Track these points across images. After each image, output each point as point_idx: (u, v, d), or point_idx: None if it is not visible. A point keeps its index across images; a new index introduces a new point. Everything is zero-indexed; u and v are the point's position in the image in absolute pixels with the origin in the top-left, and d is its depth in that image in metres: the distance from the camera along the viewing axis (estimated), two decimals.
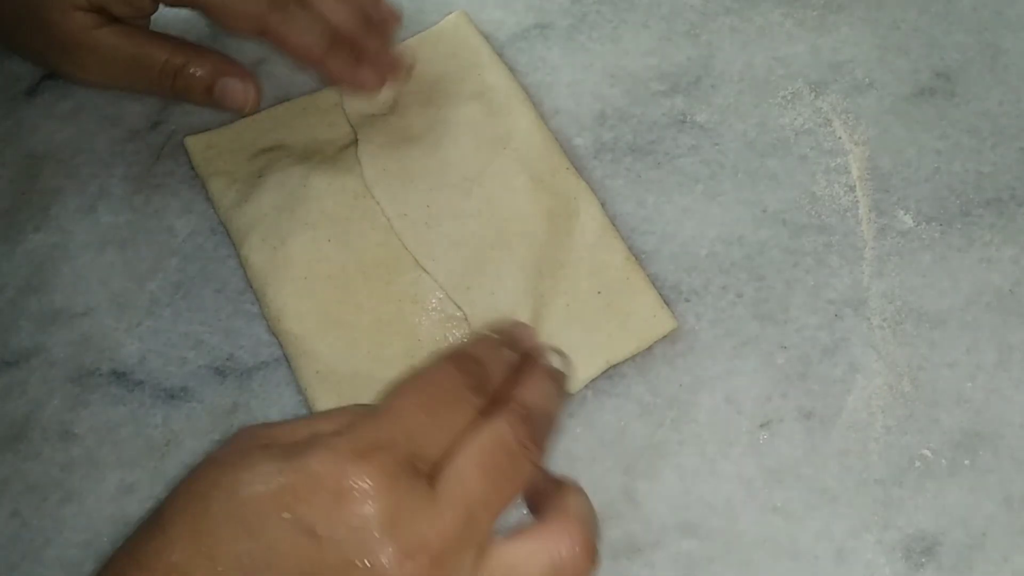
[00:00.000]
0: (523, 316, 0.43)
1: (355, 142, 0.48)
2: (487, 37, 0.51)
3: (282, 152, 0.49)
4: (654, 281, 0.45)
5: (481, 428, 0.35)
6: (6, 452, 0.44)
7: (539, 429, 0.37)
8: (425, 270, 0.45)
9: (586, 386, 0.43)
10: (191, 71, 0.49)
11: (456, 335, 0.44)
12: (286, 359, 0.45)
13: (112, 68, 0.50)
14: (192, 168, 0.50)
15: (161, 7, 0.49)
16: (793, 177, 0.47)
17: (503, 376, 0.38)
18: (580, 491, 0.36)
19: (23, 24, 0.49)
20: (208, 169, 0.49)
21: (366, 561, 0.31)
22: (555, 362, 0.40)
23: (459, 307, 0.44)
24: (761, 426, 0.42)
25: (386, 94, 0.49)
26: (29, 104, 0.53)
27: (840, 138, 0.48)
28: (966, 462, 0.40)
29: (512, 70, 0.50)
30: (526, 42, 0.52)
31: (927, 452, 0.41)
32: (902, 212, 0.46)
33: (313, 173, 0.47)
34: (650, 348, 0.43)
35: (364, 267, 0.45)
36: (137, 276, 0.47)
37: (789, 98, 0.49)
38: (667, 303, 0.44)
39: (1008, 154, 0.47)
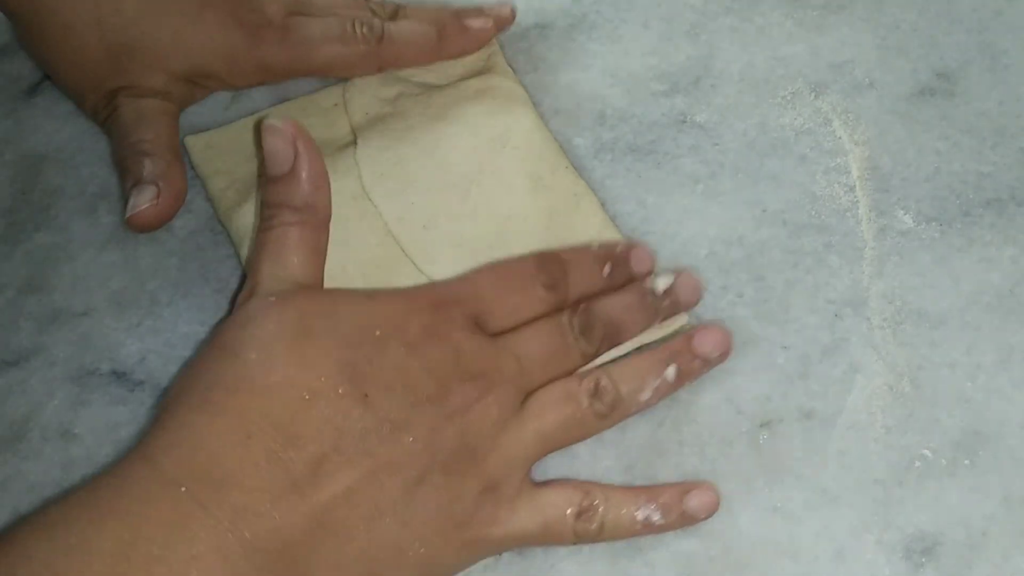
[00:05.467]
0: None
1: (354, 143, 0.48)
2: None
3: None
4: None
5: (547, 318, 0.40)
6: (6, 452, 0.44)
7: (599, 334, 0.41)
8: (424, 273, 0.45)
9: None
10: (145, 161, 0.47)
11: None
12: None
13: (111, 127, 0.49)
14: (192, 168, 0.50)
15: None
16: (793, 177, 0.47)
17: (590, 286, 0.42)
18: None
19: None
20: (208, 169, 0.49)
21: (435, 388, 0.37)
22: (660, 284, 0.42)
23: None
24: (761, 426, 0.42)
25: (389, 92, 0.49)
26: (29, 104, 0.53)
27: (840, 138, 0.48)
28: (966, 462, 0.40)
29: (512, 70, 0.50)
30: (526, 42, 0.52)
31: (927, 452, 0.41)
32: (902, 212, 0.46)
33: None
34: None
35: (363, 267, 0.45)
36: (137, 276, 0.47)
37: (789, 98, 0.49)
38: None
39: (1008, 154, 0.47)
